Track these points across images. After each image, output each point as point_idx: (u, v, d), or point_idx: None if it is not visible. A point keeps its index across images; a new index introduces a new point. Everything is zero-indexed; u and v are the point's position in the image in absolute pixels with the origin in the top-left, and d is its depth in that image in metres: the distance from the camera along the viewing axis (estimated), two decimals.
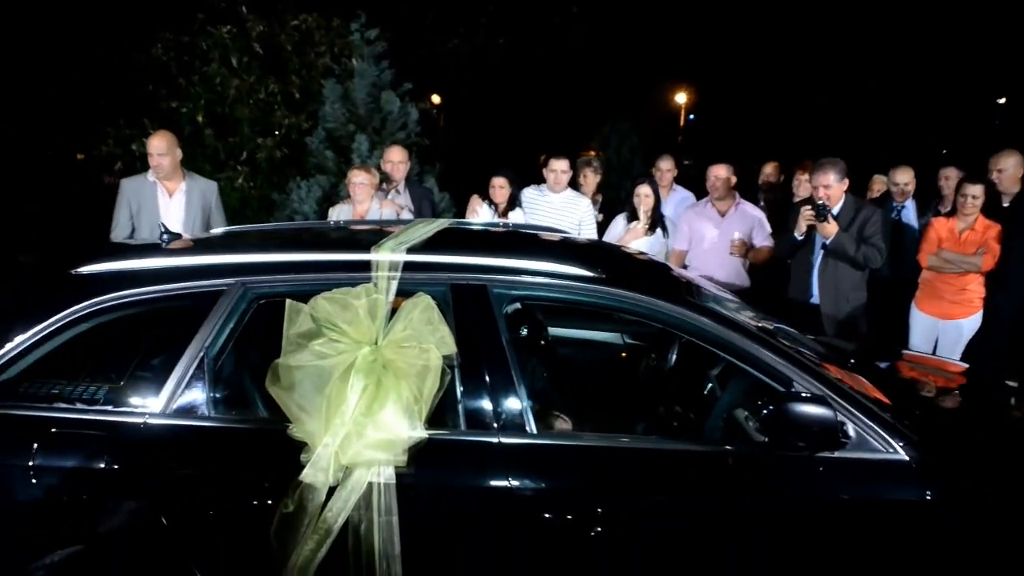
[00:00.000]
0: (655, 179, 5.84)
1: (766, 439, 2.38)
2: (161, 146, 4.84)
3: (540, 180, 5.66)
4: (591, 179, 6.12)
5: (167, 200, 4.90)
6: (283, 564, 2.21)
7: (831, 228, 4.54)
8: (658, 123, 21.58)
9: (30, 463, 2.31)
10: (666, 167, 6.37)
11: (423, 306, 2.40)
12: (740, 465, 2.42)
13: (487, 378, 2.42)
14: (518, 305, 3.18)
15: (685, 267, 5.29)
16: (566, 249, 3.31)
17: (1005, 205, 5.33)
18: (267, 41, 8.19)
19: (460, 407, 2.41)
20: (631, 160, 10.90)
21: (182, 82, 8.08)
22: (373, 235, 2.79)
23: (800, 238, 4.73)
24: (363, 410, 2.26)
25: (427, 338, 2.35)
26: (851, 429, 2.38)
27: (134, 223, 4.88)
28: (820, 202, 4.55)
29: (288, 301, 2.41)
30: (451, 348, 2.38)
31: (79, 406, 2.41)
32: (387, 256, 2.54)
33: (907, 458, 2.35)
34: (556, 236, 3.66)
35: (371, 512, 2.22)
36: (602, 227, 5.74)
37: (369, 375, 2.30)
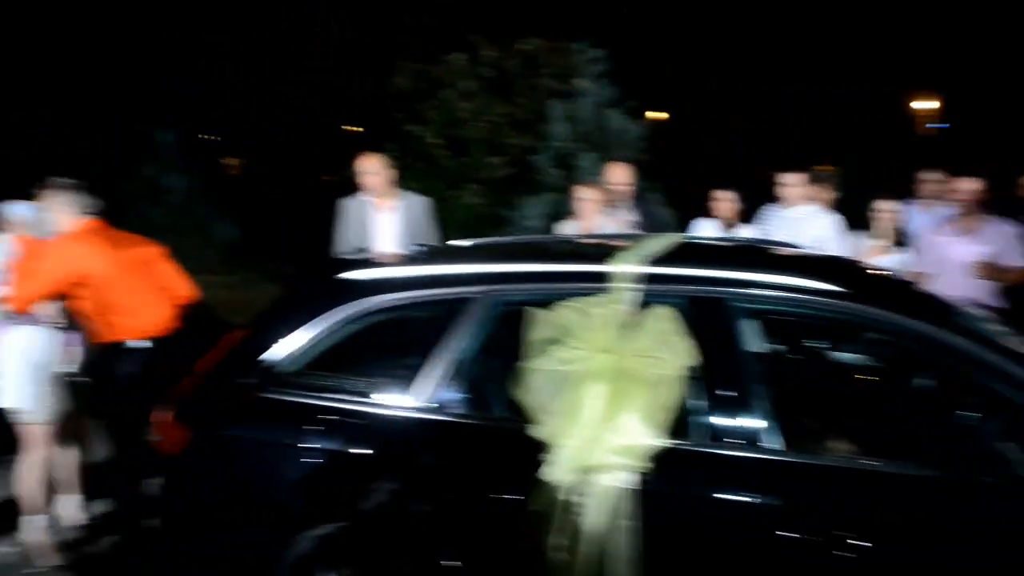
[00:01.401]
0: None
1: None
2: (373, 166, 5.08)
3: (775, 198, 5.48)
4: (822, 195, 5.81)
5: (381, 217, 5.11)
6: (540, 564, 2.30)
7: None
8: (900, 134, 20.00)
9: (301, 445, 2.59)
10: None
11: (665, 317, 2.44)
12: (1001, 498, 2.25)
13: (725, 391, 2.41)
14: (759, 320, 3.10)
15: None
16: (808, 263, 3.18)
17: None
18: (495, 65, 8.60)
19: (698, 418, 2.41)
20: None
21: (419, 107, 8.67)
22: (611, 248, 2.85)
23: None
24: (604, 415, 2.33)
25: (668, 349, 2.39)
26: None
27: (354, 240, 5.10)
28: None
29: (530, 309, 2.53)
30: (691, 359, 2.39)
31: (344, 397, 2.67)
32: (627, 267, 2.59)
33: None
34: (796, 251, 3.52)
35: (612, 516, 2.26)
36: None
37: (610, 382, 2.37)
